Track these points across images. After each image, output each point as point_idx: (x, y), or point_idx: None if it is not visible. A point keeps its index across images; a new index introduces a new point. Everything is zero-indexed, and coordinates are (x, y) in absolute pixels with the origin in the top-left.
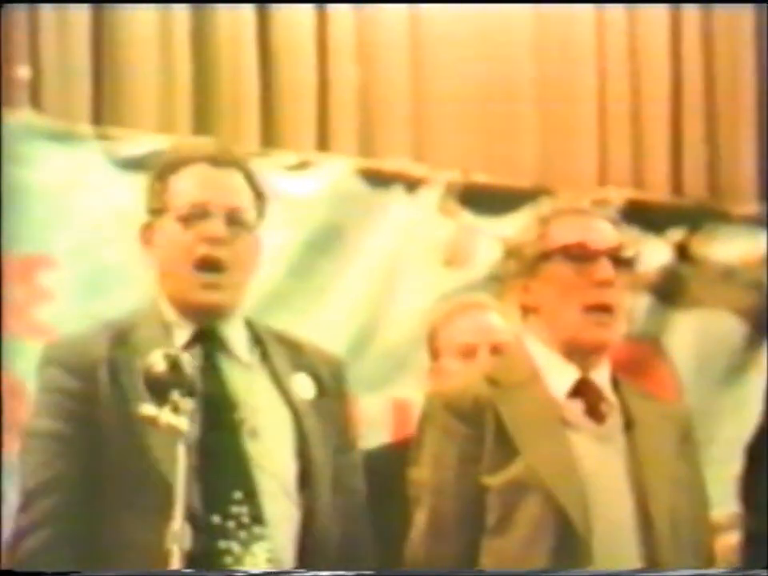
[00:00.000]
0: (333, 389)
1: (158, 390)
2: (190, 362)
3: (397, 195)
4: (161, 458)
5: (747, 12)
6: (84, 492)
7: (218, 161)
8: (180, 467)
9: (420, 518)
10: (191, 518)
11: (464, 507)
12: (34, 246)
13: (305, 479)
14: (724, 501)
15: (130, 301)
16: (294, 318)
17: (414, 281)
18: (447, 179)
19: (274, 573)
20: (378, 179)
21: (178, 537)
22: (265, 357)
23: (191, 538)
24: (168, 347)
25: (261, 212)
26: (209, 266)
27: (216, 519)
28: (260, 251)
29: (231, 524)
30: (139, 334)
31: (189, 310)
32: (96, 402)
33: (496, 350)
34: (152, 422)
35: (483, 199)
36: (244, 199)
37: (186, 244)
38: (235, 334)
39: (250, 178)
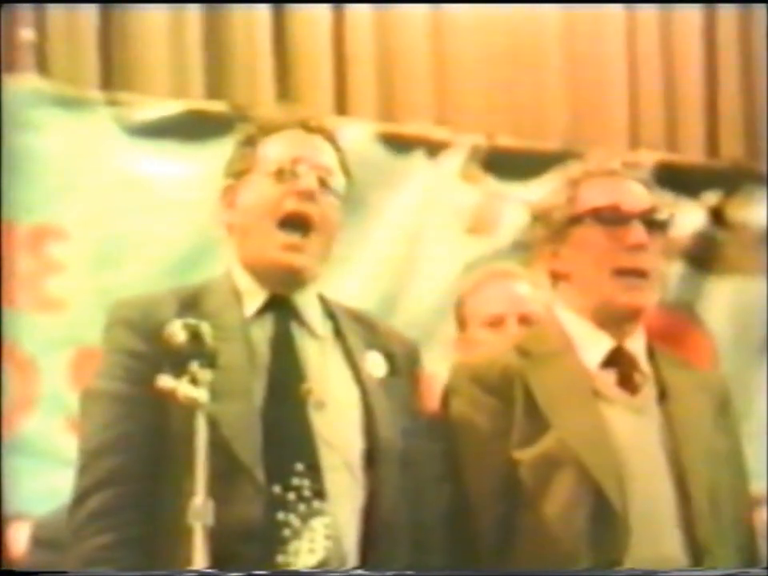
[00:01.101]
0: (405, 370)
1: (177, 360)
2: (209, 333)
3: (418, 160)
4: (221, 423)
5: None
6: (147, 454)
7: (307, 126)
8: (200, 441)
9: (450, 492)
10: (252, 486)
11: (494, 482)
12: (42, 215)
13: (371, 458)
14: (760, 474)
15: (143, 272)
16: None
17: (437, 249)
18: (471, 143)
19: (292, 573)
20: (398, 144)
21: (200, 513)
22: (338, 332)
23: (251, 508)
24: (239, 314)
25: (345, 184)
26: (296, 222)
27: (277, 490)
28: (339, 225)
29: (292, 496)
30: (210, 300)
31: (266, 274)
32: (161, 364)
33: (525, 319)
34: (171, 394)
35: (508, 164)
36: (333, 165)
37: (276, 198)
38: (309, 305)
39: (338, 149)
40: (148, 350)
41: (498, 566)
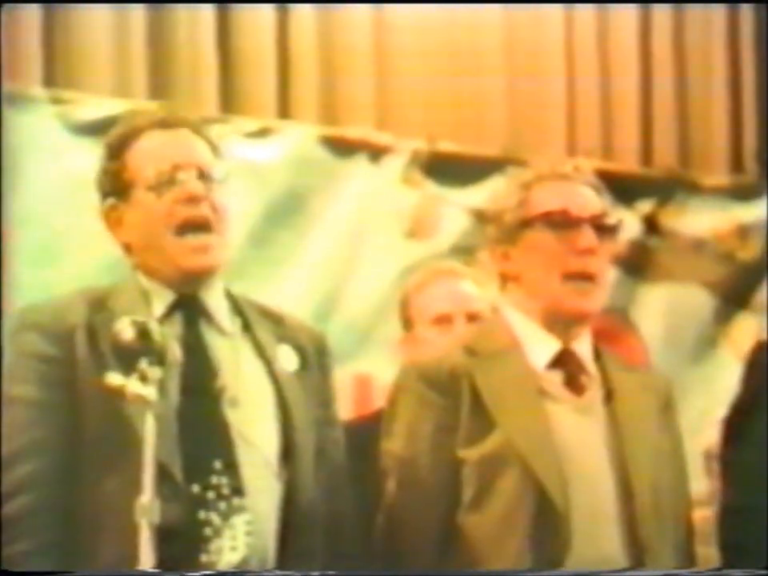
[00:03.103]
0: (316, 362)
1: (126, 358)
2: (158, 330)
3: (360, 164)
4: (139, 425)
5: None
6: (63, 459)
7: (168, 124)
8: (148, 439)
9: (393, 492)
10: (171, 487)
11: (439, 481)
12: None
13: (287, 451)
14: (692, 475)
15: (84, 269)
16: (254, 288)
17: (377, 252)
18: (412, 148)
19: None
20: (340, 147)
21: (147, 510)
22: (247, 327)
23: (171, 508)
24: (147, 314)
25: (222, 169)
26: (194, 226)
27: (196, 489)
28: (229, 209)
29: (211, 494)
30: (117, 301)
31: (174, 278)
32: (73, 367)
33: (472, 318)
34: (119, 391)
35: (449, 169)
36: (207, 157)
37: (165, 211)
38: (216, 302)
39: (204, 136)
40: (59, 353)
41: (440, 565)
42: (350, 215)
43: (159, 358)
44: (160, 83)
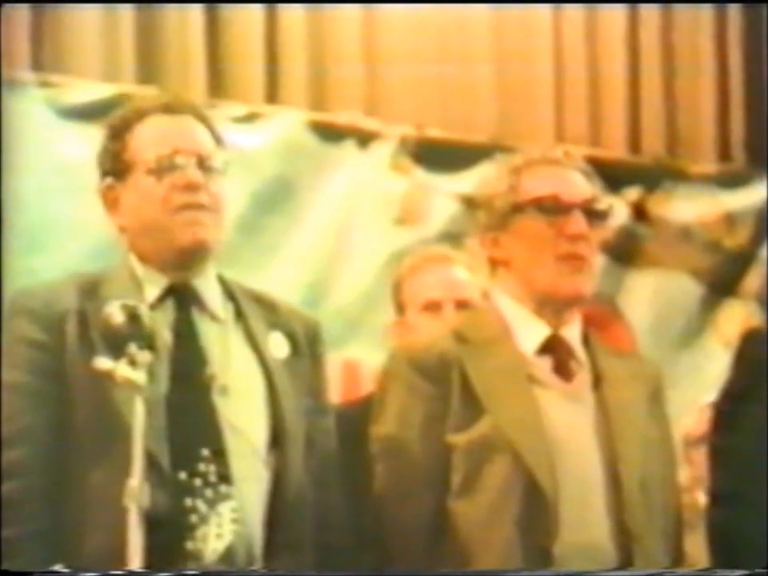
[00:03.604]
0: (308, 349)
1: (115, 342)
2: (148, 314)
3: (348, 150)
4: (128, 412)
5: None
6: (51, 445)
7: (172, 109)
8: (137, 423)
9: (382, 478)
10: (158, 473)
11: (428, 467)
12: None
13: (276, 439)
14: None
15: (76, 255)
16: (242, 275)
17: (365, 239)
18: (400, 134)
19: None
20: (329, 133)
21: (136, 494)
22: (239, 314)
23: (157, 495)
24: (139, 299)
25: (222, 158)
26: (190, 207)
27: (182, 476)
28: (225, 199)
29: (198, 482)
30: (109, 287)
31: (168, 261)
32: (64, 354)
33: (462, 304)
34: (108, 376)
35: (437, 155)
36: (208, 145)
37: (162, 196)
38: (208, 288)
39: (206, 124)
40: (49, 340)
41: (429, 551)
42: (339, 201)
43: (149, 342)
44: (148, 68)
